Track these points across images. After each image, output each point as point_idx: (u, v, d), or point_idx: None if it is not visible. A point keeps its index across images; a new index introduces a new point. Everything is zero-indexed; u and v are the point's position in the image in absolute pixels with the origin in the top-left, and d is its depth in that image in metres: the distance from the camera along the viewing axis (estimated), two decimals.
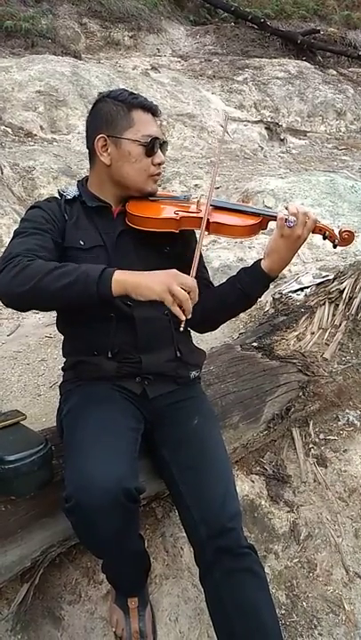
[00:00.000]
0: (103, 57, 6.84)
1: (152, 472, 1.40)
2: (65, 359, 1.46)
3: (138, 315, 1.33)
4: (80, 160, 4.44)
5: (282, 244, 1.33)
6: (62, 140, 4.98)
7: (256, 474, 1.81)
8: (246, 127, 6.20)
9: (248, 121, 6.37)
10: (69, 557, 1.48)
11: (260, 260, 1.39)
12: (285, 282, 2.73)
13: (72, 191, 1.43)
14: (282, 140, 6.33)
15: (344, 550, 1.70)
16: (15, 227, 1.35)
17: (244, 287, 1.40)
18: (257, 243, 3.33)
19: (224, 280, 1.48)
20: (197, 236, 1.38)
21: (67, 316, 1.42)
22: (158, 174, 1.42)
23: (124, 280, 1.15)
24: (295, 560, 1.65)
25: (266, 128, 6.36)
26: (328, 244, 1.41)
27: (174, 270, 1.17)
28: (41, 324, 2.72)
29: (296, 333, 2.27)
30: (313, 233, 1.36)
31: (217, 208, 1.42)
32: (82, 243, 1.35)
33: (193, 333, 1.51)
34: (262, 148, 6.07)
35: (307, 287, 2.57)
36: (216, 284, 1.52)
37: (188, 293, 1.13)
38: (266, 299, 2.62)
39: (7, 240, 1.51)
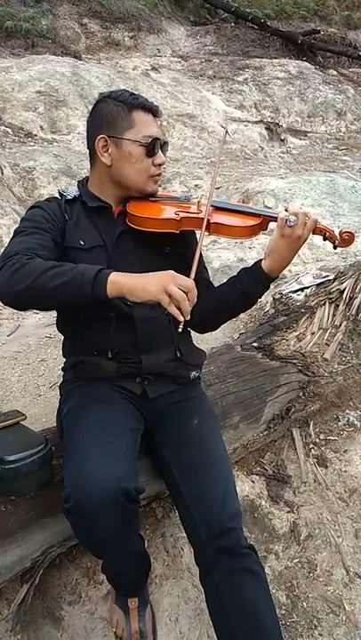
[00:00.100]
0: (103, 57, 6.84)
1: (152, 472, 1.40)
2: (65, 359, 1.46)
3: (138, 315, 1.33)
4: (80, 160, 4.44)
5: (282, 245, 1.33)
6: (62, 141, 4.98)
7: (256, 474, 1.81)
8: (247, 127, 6.20)
9: (248, 121, 6.37)
10: (69, 557, 1.48)
11: (261, 260, 1.39)
12: (286, 282, 2.72)
13: (72, 191, 1.43)
14: (282, 141, 6.34)
15: (344, 550, 1.70)
16: (15, 227, 1.35)
17: (245, 287, 1.40)
18: (257, 243, 3.33)
19: (224, 280, 1.47)
20: (198, 236, 1.38)
21: (67, 316, 1.42)
22: (159, 175, 1.42)
23: (120, 282, 1.14)
24: (295, 560, 1.65)
25: (266, 128, 6.36)
26: (328, 244, 1.41)
27: (171, 271, 1.16)
28: (41, 325, 2.72)
29: (296, 334, 2.27)
30: (313, 234, 1.35)
31: (217, 209, 1.42)
32: (82, 243, 1.35)
33: (193, 333, 1.51)
34: (263, 149, 6.07)
35: (307, 287, 2.57)
36: (216, 284, 1.52)
37: (186, 294, 1.12)
38: (266, 299, 2.62)
39: (7, 240, 1.51)
